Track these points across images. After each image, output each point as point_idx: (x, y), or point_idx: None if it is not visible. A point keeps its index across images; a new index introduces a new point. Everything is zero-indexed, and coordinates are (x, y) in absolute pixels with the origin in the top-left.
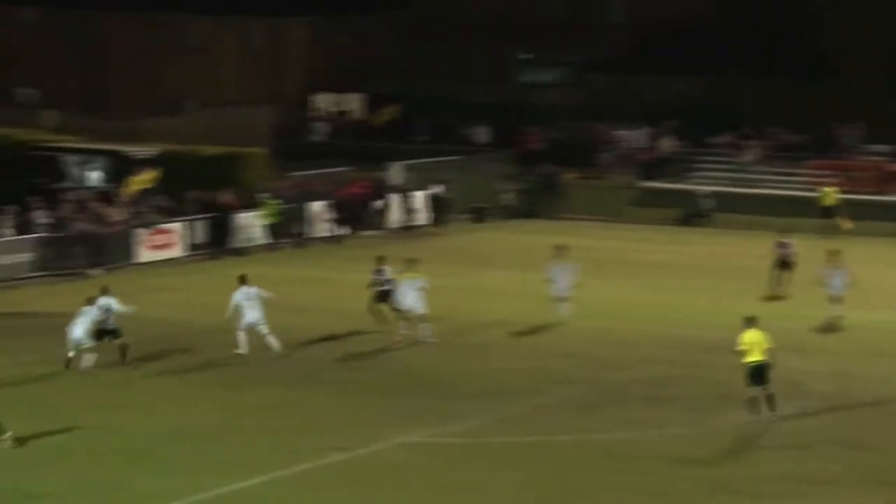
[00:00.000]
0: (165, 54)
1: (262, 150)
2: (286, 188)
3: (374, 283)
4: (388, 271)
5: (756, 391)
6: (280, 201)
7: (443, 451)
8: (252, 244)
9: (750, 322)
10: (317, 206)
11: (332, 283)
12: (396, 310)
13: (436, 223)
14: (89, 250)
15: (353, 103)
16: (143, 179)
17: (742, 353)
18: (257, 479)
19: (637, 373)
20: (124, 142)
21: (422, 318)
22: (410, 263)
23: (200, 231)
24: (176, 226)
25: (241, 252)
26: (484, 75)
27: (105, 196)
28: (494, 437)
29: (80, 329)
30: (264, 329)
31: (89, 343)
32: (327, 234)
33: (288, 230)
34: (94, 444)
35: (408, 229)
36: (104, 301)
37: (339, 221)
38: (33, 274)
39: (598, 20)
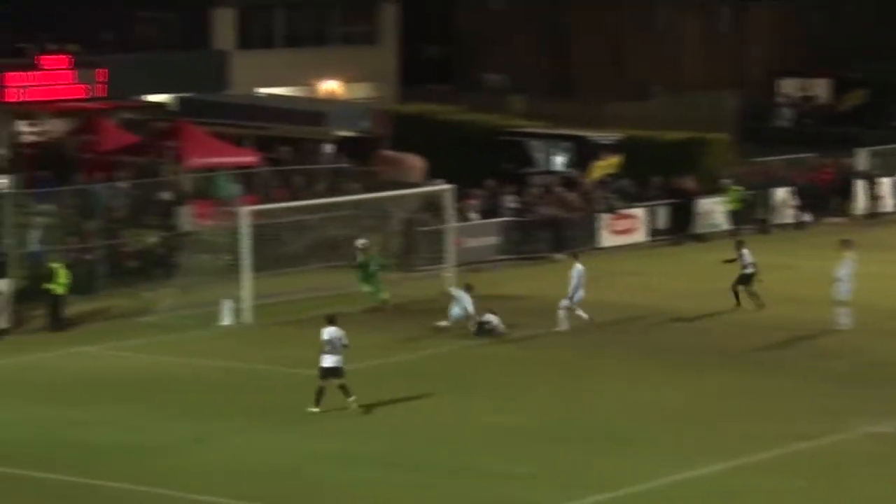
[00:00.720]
0: (631, 38)
1: (726, 135)
2: (750, 174)
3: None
4: (748, 254)
5: None
6: (743, 187)
7: None
8: (714, 230)
9: None
10: (781, 193)
11: (795, 270)
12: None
13: None
14: (553, 235)
15: (819, 88)
16: (606, 164)
17: None
18: (719, 464)
19: None
20: (589, 127)
21: (840, 303)
22: (845, 245)
23: (662, 216)
24: (638, 211)
25: (702, 238)
26: None
27: (569, 181)
28: None
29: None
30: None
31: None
32: (791, 220)
33: (751, 216)
34: (561, 424)
35: (874, 216)
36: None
37: (804, 208)
38: (499, 257)
39: None
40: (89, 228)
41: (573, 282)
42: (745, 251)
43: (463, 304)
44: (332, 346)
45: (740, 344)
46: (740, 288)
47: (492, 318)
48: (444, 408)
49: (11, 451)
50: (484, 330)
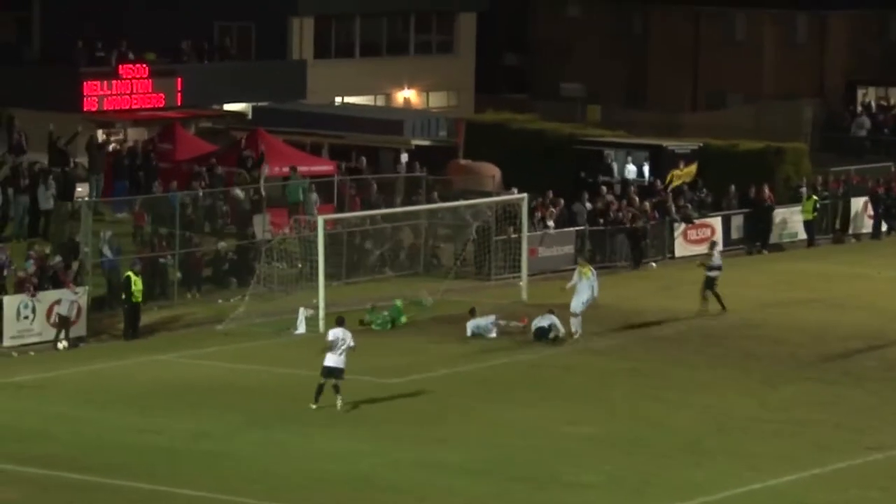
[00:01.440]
0: (708, 47)
1: (802, 144)
2: (827, 183)
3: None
4: (717, 257)
5: None
6: (817, 197)
7: None
8: (790, 240)
9: None
10: (858, 202)
11: (872, 280)
12: None
13: None
14: (628, 244)
15: None
16: (683, 173)
17: None
18: (792, 475)
19: None
20: (664, 136)
21: None
22: None
23: (738, 226)
24: (714, 220)
25: (778, 247)
26: None
27: (645, 190)
28: None
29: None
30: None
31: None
32: (868, 230)
33: (827, 226)
34: (632, 434)
35: None
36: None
37: (881, 217)
38: (573, 267)
39: None
40: (165, 236)
41: (590, 290)
42: (715, 253)
43: (478, 330)
44: (337, 347)
45: (813, 353)
46: (709, 292)
47: (553, 320)
48: (519, 416)
49: (87, 457)
50: (544, 334)
